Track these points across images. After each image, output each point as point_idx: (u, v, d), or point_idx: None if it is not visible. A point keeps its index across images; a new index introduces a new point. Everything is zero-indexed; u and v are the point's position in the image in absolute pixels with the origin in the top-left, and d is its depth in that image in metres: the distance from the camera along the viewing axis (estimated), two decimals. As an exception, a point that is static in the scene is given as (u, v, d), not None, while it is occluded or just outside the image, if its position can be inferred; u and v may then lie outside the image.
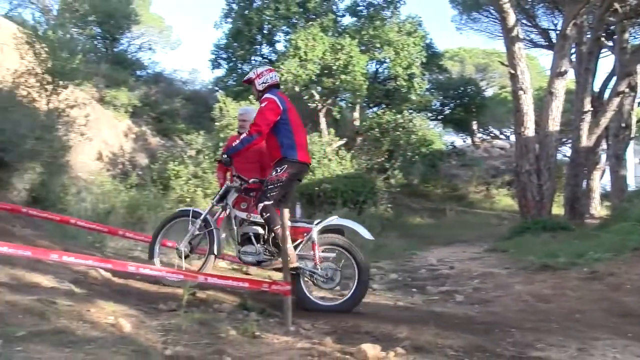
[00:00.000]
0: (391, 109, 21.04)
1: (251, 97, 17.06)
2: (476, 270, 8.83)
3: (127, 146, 17.98)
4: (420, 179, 24.02)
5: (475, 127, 31.98)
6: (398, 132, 19.96)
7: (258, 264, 5.48)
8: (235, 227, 5.61)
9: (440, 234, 16.84)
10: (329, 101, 20.97)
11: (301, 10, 21.61)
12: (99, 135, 15.94)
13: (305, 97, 19.98)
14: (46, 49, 10.83)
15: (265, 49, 24.17)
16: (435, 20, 41.42)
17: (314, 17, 21.49)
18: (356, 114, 22.34)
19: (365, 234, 5.41)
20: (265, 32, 23.11)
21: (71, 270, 5.07)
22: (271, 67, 5.96)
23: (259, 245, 5.43)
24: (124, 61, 23.27)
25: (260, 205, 5.27)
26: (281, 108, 5.41)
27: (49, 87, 10.93)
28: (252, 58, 23.69)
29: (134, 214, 10.70)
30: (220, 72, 24.42)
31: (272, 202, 5.27)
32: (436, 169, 23.46)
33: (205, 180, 14.63)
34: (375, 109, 23.87)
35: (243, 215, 5.60)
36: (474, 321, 5.21)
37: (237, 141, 5.55)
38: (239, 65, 23.65)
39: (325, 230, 5.40)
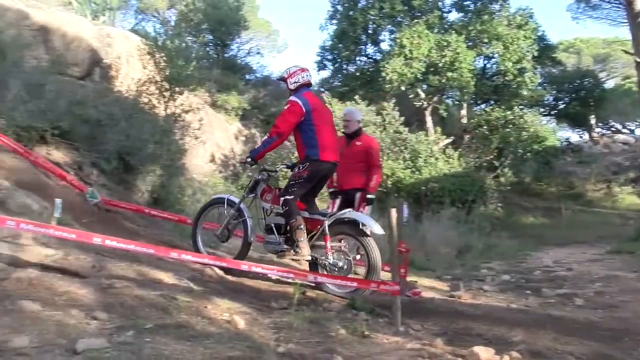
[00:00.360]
0: (500, 105, 20.38)
1: (357, 97, 17.20)
2: (598, 272, 8.32)
3: (238, 148, 18.63)
4: (532, 177, 23.01)
5: (593, 121, 30.20)
6: (508, 129, 19.29)
7: (277, 253, 5.80)
8: (262, 217, 5.98)
9: (555, 234, 16.09)
10: (435, 99, 20.67)
11: (406, 8, 21.43)
12: (211, 138, 16.64)
13: (411, 96, 19.79)
14: (164, 58, 11.49)
15: (370, 49, 24.24)
16: (548, 11, 39.49)
17: (419, 14, 21.24)
18: (463, 112, 21.86)
19: (376, 228, 5.57)
20: (369, 32, 23.13)
21: (189, 268, 5.34)
22: (303, 67, 6.16)
23: (279, 235, 5.72)
24: (234, 66, 24.14)
25: (282, 199, 5.56)
26: (304, 110, 5.60)
27: (167, 93, 11.57)
28: (357, 58, 23.81)
29: (246, 213, 11.08)
30: (325, 73, 24.76)
31: (293, 197, 5.56)
32: (550, 167, 22.35)
33: (313, 180, 14.80)
34: (483, 105, 23.23)
35: (267, 206, 5.95)
36: (598, 327, 4.86)
37: (259, 143, 5.78)
38: (344, 66, 23.84)
39: (340, 222, 5.60)
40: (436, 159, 17.18)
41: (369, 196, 7.00)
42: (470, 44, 19.89)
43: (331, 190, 7.44)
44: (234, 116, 19.57)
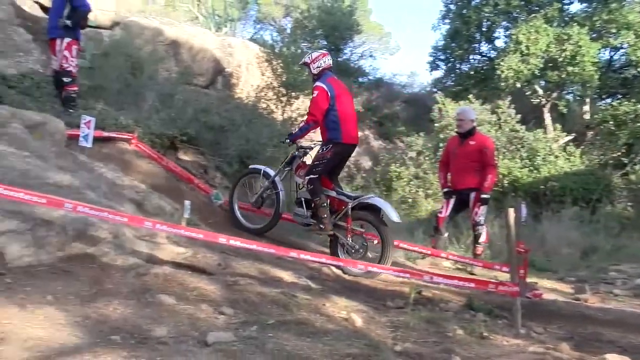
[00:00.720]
0: (630, 99, 18.90)
1: (470, 96, 16.75)
2: None
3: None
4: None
5: None
6: (639, 124, 17.87)
7: (304, 225, 6.28)
8: (294, 190, 6.43)
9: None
10: (554, 95, 19.63)
11: (522, 3, 20.52)
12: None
13: (528, 93, 18.96)
14: (281, 65, 11.89)
15: (484, 47, 23.45)
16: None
17: (537, 8, 20.25)
18: (586, 107, 20.53)
19: (393, 215, 5.75)
20: (483, 29, 22.39)
21: (307, 267, 5.49)
22: (325, 52, 6.46)
23: (307, 210, 6.13)
24: (347, 69, 24.32)
25: (307, 178, 5.99)
26: (329, 95, 5.95)
27: (284, 98, 11.97)
28: (471, 57, 23.16)
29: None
30: (438, 73, 24.28)
31: (317, 176, 5.95)
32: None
33: (426, 181, 14.63)
34: (609, 100, 21.66)
35: (300, 180, 6.34)
36: None
37: (297, 128, 6.34)
38: (457, 66, 23.27)
39: (362, 207, 5.88)
40: (556, 157, 16.28)
41: (483, 196, 6.85)
42: (594, 35, 18.66)
43: (445, 190, 7.35)
44: (347, 119, 19.72)
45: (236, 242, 4.43)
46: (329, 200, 6.03)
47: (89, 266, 3.71)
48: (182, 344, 2.82)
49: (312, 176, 5.96)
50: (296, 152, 6.50)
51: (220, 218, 6.85)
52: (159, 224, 4.14)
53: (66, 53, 7.16)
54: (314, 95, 6.02)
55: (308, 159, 6.43)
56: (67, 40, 7.17)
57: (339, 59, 24.81)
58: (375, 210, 5.87)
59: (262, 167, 6.77)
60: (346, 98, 6.20)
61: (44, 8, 7.49)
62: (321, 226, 5.93)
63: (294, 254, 4.78)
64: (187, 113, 8.68)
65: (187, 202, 5.19)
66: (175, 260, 4.35)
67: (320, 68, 6.20)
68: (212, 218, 6.59)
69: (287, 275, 4.77)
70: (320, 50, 6.54)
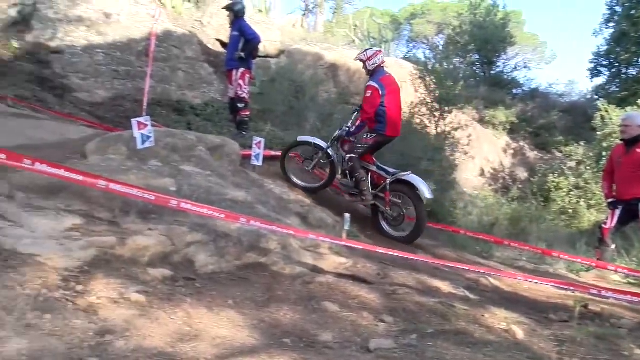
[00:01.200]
0: None
1: (639, 101, 15.20)
2: None
3: (507, 161, 18.00)
4: None
5: None
6: None
7: (349, 195, 6.76)
8: (341, 163, 6.74)
9: None
10: None
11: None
12: (480, 153, 16.38)
13: None
14: (434, 81, 11.75)
15: (654, 49, 21.13)
16: None
17: None
18: None
19: (426, 192, 6.23)
20: (655, 30, 20.20)
21: (464, 277, 5.30)
22: (378, 49, 6.84)
23: (352, 180, 6.56)
24: (501, 82, 23.44)
25: (348, 156, 6.47)
26: (381, 94, 6.29)
27: (437, 113, 11.80)
28: (639, 60, 20.97)
29: (517, 225, 10.67)
30: (600, 80, 22.34)
31: (357, 156, 6.42)
32: None
33: (588, 191, 13.55)
34: None
35: (344, 155, 6.63)
36: None
37: (354, 127, 6.57)
38: (623, 70, 21.19)
39: (400, 182, 6.36)
40: None
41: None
42: None
43: (610, 200, 6.73)
44: (501, 130, 18.99)
45: (394, 252, 4.42)
46: (369, 174, 6.52)
47: (262, 274, 3.91)
48: (346, 349, 2.86)
49: (352, 155, 6.44)
50: (340, 131, 6.76)
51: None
52: (322, 235, 4.26)
53: (240, 82, 7.75)
54: (367, 95, 6.35)
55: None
56: (241, 70, 7.76)
57: (491, 72, 23.98)
58: (411, 185, 6.32)
59: (312, 139, 7.08)
60: (395, 94, 6.54)
61: (223, 44, 8.25)
62: (362, 197, 6.47)
63: (450, 264, 4.65)
64: (345, 131, 8.88)
65: (347, 215, 5.27)
66: (338, 270, 4.43)
67: (375, 65, 6.47)
68: (370, 230, 6.65)
69: (444, 286, 4.65)
70: (375, 48, 6.92)
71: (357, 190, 6.54)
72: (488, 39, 22.68)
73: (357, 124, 6.61)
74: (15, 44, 9.29)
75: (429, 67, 12.57)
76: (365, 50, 6.77)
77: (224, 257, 3.84)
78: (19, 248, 2.94)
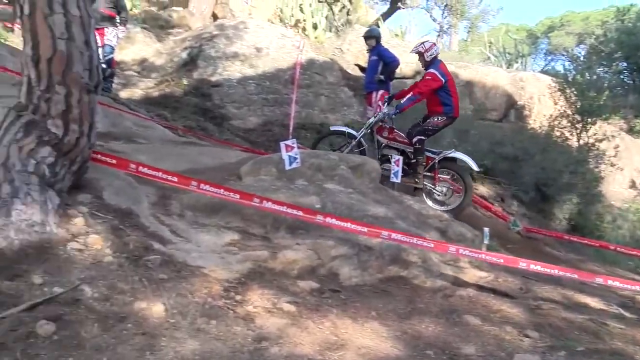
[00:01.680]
0: None
1: None
2: None
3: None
4: None
5: None
6: None
7: (388, 178, 6.32)
8: (377, 149, 6.86)
9: None
10: None
11: None
12: (630, 164, 14.85)
13: None
14: (575, 92, 10.97)
15: None
16: None
17: None
18: None
19: (473, 165, 6.59)
20: None
21: (616, 294, 4.84)
22: (434, 42, 7.06)
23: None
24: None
25: (416, 138, 6.60)
26: (442, 80, 6.53)
27: (579, 125, 10.99)
28: None
29: (676, 240, 9.51)
30: None
31: (426, 139, 6.63)
32: None
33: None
34: None
35: (383, 140, 6.87)
36: None
37: (405, 99, 6.71)
38: None
39: (446, 159, 6.64)
40: None
41: None
42: None
43: None
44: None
45: (537, 266, 4.15)
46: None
47: (403, 287, 3.87)
48: (495, 364, 2.74)
49: (422, 137, 6.61)
50: (377, 117, 6.85)
51: (518, 244, 6.55)
52: (462, 249, 4.13)
53: (380, 103, 7.84)
54: (428, 78, 6.56)
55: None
56: (380, 92, 7.86)
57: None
58: (456, 160, 6.65)
59: (345, 128, 7.25)
60: (453, 81, 6.80)
61: (361, 68, 8.49)
62: (417, 179, 6.58)
63: (600, 279, 4.26)
64: (482, 146, 8.61)
65: (486, 229, 5.07)
66: (478, 283, 4.27)
67: (433, 56, 6.69)
68: (510, 244, 6.35)
69: (593, 302, 4.28)
70: (431, 41, 7.15)
71: (410, 170, 6.66)
72: (638, 45, 20.59)
73: (409, 96, 6.72)
74: (184, 81, 10.28)
75: (569, 78, 11.76)
76: (422, 42, 6.93)
77: (367, 270, 3.86)
78: (189, 261, 3.17)
